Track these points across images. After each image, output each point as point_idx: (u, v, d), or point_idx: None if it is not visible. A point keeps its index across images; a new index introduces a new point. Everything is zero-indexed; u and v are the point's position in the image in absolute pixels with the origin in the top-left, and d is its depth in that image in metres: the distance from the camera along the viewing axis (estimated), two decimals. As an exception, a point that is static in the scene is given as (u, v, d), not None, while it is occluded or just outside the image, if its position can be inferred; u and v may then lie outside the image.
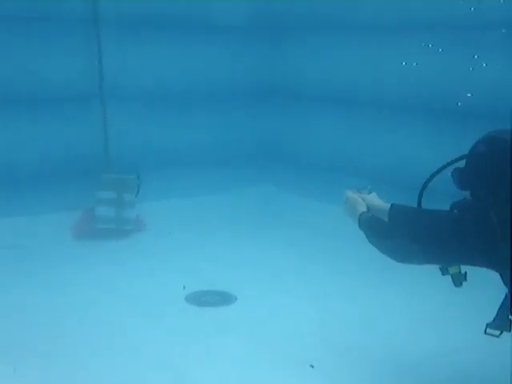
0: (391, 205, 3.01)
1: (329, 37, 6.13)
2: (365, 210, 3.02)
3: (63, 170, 5.76)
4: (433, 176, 2.80)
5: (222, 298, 4.48)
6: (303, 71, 6.47)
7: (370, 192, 3.19)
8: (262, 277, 4.87)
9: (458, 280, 2.77)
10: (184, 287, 4.59)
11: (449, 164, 2.74)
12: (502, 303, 2.68)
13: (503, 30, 4.59)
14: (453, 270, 2.75)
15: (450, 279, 2.82)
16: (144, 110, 6.07)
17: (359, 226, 2.98)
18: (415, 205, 2.90)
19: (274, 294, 4.53)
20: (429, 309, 4.25)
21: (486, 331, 2.72)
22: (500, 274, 2.61)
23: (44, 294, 4.41)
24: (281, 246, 5.58)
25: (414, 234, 2.69)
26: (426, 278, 4.61)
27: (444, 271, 2.78)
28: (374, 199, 3.12)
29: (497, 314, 2.70)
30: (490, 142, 2.56)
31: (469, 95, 4.35)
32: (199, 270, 4.92)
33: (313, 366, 3.49)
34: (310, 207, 6.34)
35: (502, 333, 2.71)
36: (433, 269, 4.53)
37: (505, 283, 2.61)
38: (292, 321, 4.10)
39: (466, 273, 2.77)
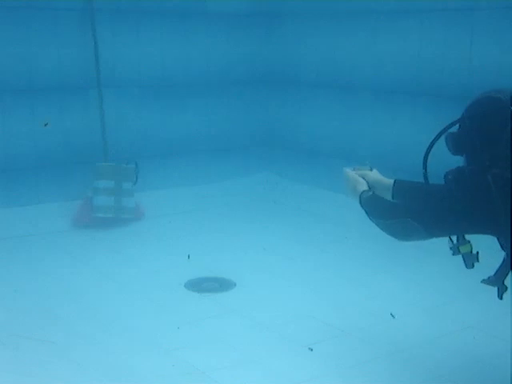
0: (394, 181, 2.99)
1: (325, 22, 6.10)
2: (365, 188, 2.96)
3: (61, 159, 5.74)
4: (432, 143, 2.72)
5: (222, 285, 4.48)
6: (300, 57, 6.45)
7: (371, 169, 3.12)
8: (261, 263, 4.87)
9: (470, 261, 2.68)
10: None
11: (447, 128, 2.66)
12: (500, 266, 2.65)
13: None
14: (464, 249, 2.66)
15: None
16: (141, 98, 6.06)
17: (360, 205, 2.94)
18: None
19: (274, 280, 4.53)
20: (429, 294, 4.25)
21: (482, 281, 2.71)
22: (497, 239, 2.58)
23: (43, 282, 4.40)
24: (281, 232, 5.59)
25: (415, 210, 2.65)
26: (428, 264, 4.69)
27: (455, 251, 2.68)
28: (376, 175, 3.07)
29: (493, 277, 2.66)
30: (484, 103, 2.52)
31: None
32: (198, 258, 4.92)
33: (312, 349, 3.49)
34: (309, 194, 6.34)
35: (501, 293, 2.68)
36: (434, 254, 4.57)
37: (502, 247, 2.58)
38: (291, 305, 4.10)
39: (477, 253, 2.68)
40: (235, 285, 4.47)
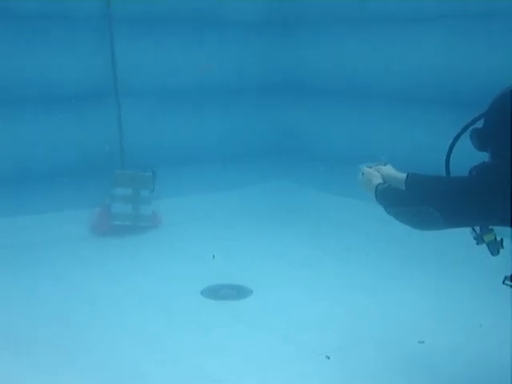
0: (407, 174, 2.96)
1: (339, 30, 6.10)
2: (381, 181, 2.94)
3: (79, 167, 5.79)
4: (456, 139, 2.69)
5: (238, 292, 4.50)
6: (315, 65, 6.45)
7: (385, 164, 3.09)
8: (278, 270, 4.87)
9: (495, 248, 2.64)
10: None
11: (471, 124, 2.63)
12: None
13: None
14: (488, 237, 2.63)
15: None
16: (157, 106, 6.10)
17: (376, 198, 2.90)
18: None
19: (291, 287, 4.53)
20: (445, 302, 4.22)
21: (504, 282, 2.64)
22: None
23: (60, 289, 4.45)
24: (297, 239, 5.58)
25: (432, 197, 2.60)
26: (444, 273, 4.66)
27: (479, 240, 2.65)
28: (390, 170, 3.03)
29: None
30: (509, 97, 2.51)
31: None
32: (215, 265, 4.93)
33: (329, 358, 3.49)
34: (325, 200, 6.33)
35: None
36: (452, 262, 4.54)
37: None
38: (308, 313, 4.10)
39: (502, 240, 2.64)
40: (252, 292, 4.48)
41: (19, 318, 3.97)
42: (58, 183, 5.67)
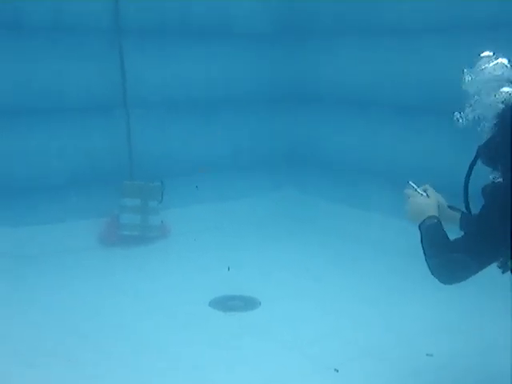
0: (461, 213, 2.85)
1: (348, 41, 6.11)
2: (435, 213, 2.70)
3: (88, 178, 5.81)
4: (474, 162, 2.66)
5: (247, 303, 4.50)
6: (323, 75, 6.46)
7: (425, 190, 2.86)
8: (286, 282, 4.87)
9: None
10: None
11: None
12: None
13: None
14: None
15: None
16: (166, 117, 6.11)
17: (419, 228, 2.69)
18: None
19: (299, 299, 4.53)
20: (449, 315, 4.20)
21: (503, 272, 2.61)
22: None
23: (69, 300, 4.47)
24: (305, 250, 5.59)
25: (459, 245, 2.52)
26: (448, 287, 4.62)
27: (504, 268, 2.57)
28: (439, 198, 2.84)
29: None
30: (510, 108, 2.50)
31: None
32: (224, 275, 4.93)
33: (337, 371, 3.48)
34: (333, 211, 6.32)
35: None
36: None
37: None
38: (316, 325, 4.10)
39: None
40: (260, 304, 4.48)
41: (26, 328, 3.99)
42: (67, 193, 5.69)
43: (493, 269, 2.64)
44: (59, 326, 4.06)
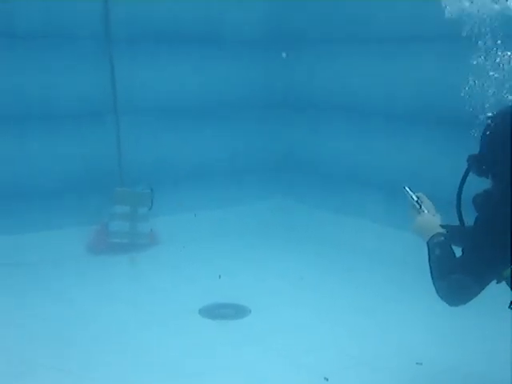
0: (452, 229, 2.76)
1: (340, 48, 6.11)
2: (441, 230, 2.68)
3: (78, 185, 5.78)
4: (466, 174, 2.64)
5: (236, 311, 4.46)
6: (316, 82, 6.46)
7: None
8: (277, 290, 4.84)
9: None
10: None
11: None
12: None
13: None
14: (506, 272, 2.50)
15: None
16: (157, 123, 6.10)
17: (427, 244, 2.66)
18: None
19: (289, 307, 4.50)
20: (445, 325, 4.15)
21: (510, 306, 2.58)
22: None
23: (58, 308, 4.42)
24: (297, 259, 5.55)
25: (471, 266, 2.46)
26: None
27: (498, 278, 2.53)
28: (431, 208, 2.82)
29: None
30: (500, 119, 2.49)
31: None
32: (213, 283, 4.90)
33: (327, 379, 3.45)
34: (326, 219, 6.29)
35: None
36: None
37: None
38: (306, 333, 4.06)
39: None
40: (250, 311, 4.45)
41: (20, 339, 3.93)
42: (56, 201, 5.65)
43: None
44: (48, 334, 4.01)
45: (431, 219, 2.74)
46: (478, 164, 2.58)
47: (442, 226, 2.75)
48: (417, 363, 3.64)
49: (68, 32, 5.59)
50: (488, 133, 2.55)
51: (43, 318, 4.27)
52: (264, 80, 6.66)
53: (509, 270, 2.49)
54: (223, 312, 4.46)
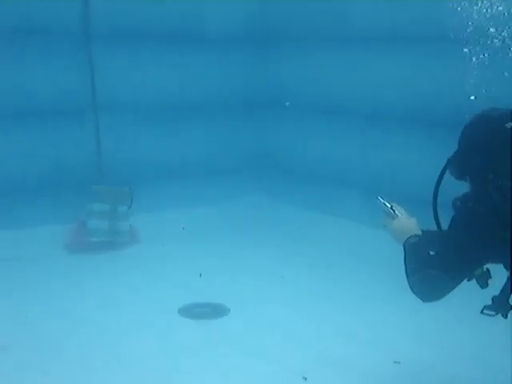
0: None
1: (319, 47, 6.14)
2: (418, 232, 2.72)
3: (56, 182, 5.74)
4: (442, 174, 2.66)
5: (216, 310, 4.45)
6: (294, 81, 6.49)
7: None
8: (256, 288, 4.84)
9: (484, 280, 2.57)
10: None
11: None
12: (504, 287, 2.61)
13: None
14: (478, 272, 2.55)
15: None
16: (136, 121, 6.08)
17: (403, 246, 2.69)
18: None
19: (268, 306, 4.50)
20: (430, 324, 4.18)
21: (482, 311, 2.62)
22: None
23: (36, 307, 4.38)
24: (279, 257, 5.53)
25: (432, 260, 2.54)
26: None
27: (470, 277, 2.57)
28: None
29: (498, 296, 2.59)
30: (478, 123, 2.52)
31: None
32: (192, 282, 4.89)
33: (306, 379, 3.46)
34: (303, 216, 6.33)
35: (497, 313, 2.62)
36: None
37: (505, 267, 2.53)
38: (286, 332, 4.07)
39: (488, 270, 2.57)
40: (229, 310, 4.44)
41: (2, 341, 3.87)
42: (36, 198, 5.61)
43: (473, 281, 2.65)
44: (29, 336, 3.96)
45: (407, 222, 2.77)
46: (457, 167, 2.61)
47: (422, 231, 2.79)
48: (394, 362, 3.65)
49: (47, 29, 5.53)
50: (465, 136, 2.58)
51: (19, 315, 4.23)
52: (243, 80, 6.67)
53: (480, 270, 2.55)
54: (202, 311, 4.44)
